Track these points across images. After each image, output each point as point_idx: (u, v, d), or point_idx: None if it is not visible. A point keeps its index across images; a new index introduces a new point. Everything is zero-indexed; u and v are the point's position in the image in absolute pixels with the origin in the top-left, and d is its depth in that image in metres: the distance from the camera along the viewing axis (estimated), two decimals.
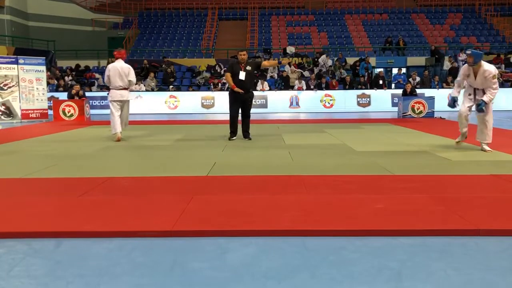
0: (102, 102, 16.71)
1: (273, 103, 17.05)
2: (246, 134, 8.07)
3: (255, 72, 8.35)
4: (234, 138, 7.97)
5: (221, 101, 15.86)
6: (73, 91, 13.93)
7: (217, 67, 19.07)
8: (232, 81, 7.80)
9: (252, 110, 8.21)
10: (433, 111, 13.44)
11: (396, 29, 24.74)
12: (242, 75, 7.75)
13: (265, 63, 8.57)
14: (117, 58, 8.03)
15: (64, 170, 5.23)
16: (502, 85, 17.44)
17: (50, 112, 13.75)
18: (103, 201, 3.77)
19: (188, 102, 16.91)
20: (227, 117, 8.36)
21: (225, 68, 8.46)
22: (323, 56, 19.68)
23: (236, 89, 7.73)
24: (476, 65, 6.44)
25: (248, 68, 7.82)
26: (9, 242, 2.88)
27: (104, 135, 8.96)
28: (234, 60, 8.76)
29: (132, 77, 8.06)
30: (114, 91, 7.99)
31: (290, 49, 21.42)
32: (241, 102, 7.91)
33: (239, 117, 8.09)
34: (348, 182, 4.43)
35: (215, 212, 3.39)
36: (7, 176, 4.85)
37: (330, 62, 19.70)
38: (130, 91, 8.35)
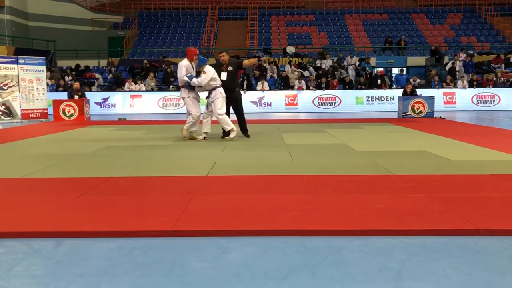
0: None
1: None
2: (245, 132, 8.22)
3: (240, 70, 8.58)
4: (227, 137, 8.07)
5: None
6: (74, 86, 13.93)
7: None
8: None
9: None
10: (433, 111, 13.44)
11: (396, 29, 24.76)
12: (223, 76, 7.96)
13: (245, 61, 8.64)
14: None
15: (64, 170, 5.23)
16: (503, 85, 17.47)
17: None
18: (103, 201, 3.76)
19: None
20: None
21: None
22: (355, 58, 19.63)
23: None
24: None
25: (230, 68, 8.01)
26: (9, 242, 2.88)
27: (105, 135, 8.96)
28: (216, 62, 8.93)
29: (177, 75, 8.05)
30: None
31: (290, 49, 21.43)
32: (229, 102, 8.07)
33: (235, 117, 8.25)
34: (348, 182, 4.42)
35: (215, 212, 3.39)
36: (7, 176, 4.85)
37: (330, 62, 19.73)
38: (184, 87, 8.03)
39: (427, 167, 5.21)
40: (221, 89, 7.76)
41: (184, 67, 7.80)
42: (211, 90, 7.81)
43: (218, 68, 8.06)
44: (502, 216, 3.26)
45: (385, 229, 3.01)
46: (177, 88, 17.75)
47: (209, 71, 7.65)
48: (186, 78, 7.77)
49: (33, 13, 23.96)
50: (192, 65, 7.91)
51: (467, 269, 2.45)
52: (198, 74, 7.80)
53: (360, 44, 23.38)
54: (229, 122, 7.84)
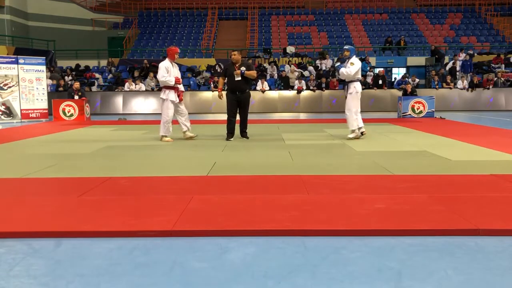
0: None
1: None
2: (243, 134, 8.12)
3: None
4: (232, 139, 7.94)
5: None
6: (74, 86, 13.88)
7: (217, 67, 19.08)
8: (221, 85, 8.09)
9: None
10: (433, 111, 13.44)
11: (396, 29, 24.76)
12: (237, 76, 7.77)
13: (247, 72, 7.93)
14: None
15: (64, 170, 5.23)
16: (503, 85, 17.48)
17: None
18: (103, 201, 3.77)
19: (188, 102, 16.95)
20: (226, 117, 8.30)
21: (220, 71, 8.27)
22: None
23: (220, 95, 7.95)
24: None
25: (243, 68, 7.82)
26: (9, 242, 2.88)
27: (104, 135, 8.95)
28: (227, 62, 8.61)
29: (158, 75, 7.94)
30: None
31: (290, 49, 21.45)
32: (238, 102, 7.95)
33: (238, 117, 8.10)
34: (348, 182, 4.43)
35: (215, 212, 3.39)
36: (7, 176, 4.85)
37: (330, 63, 19.72)
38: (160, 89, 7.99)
39: (427, 167, 5.21)
40: (356, 84, 7.70)
41: (164, 67, 7.70)
42: (348, 83, 7.75)
43: (230, 67, 7.92)
44: (502, 216, 3.26)
45: (385, 229, 3.01)
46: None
47: (357, 63, 7.63)
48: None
49: (33, 13, 23.95)
50: (172, 64, 7.81)
51: (467, 269, 2.45)
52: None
53: (360, 44, 23.38)
54: (354, 123, 7.73)
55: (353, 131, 7.78)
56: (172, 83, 7.71)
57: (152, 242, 2.86)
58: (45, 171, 5.16)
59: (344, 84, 7.87)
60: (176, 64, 8.00)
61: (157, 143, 7.62)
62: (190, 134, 8.07)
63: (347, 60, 7.75)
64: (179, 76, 7.97)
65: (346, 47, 7.88)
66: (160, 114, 8.00)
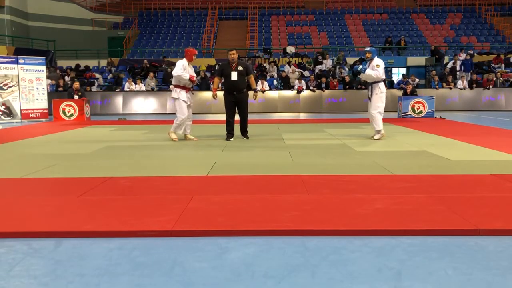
0: None
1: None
2: (244, 134, 8.11)
3: (248, 75, 8.02)
4: (232, 139, 7.92)
5: None
6: (74, 86, 13.84)
7: (217, 67, 19.07)
8: (216, 85, 8.08)
9: None
10: (433, 111, 13.44)
11: (396, 29, 24.76)
12: (234, 76, 7.73)
13: (251, 81, 8.04)
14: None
15: (64, 170, 5.23)
16: (503, 85, 17.48)
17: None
18: (103, 201, 3.77)
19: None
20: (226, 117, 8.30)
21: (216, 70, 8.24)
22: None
23: (215, 95, 8.05)
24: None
25: (240, 68, 7.78)
26: (9, 242, 2.88)
27: (104, 135, 8.95)
28: (223, 62, 8.57)
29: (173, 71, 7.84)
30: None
31: (290, 49, 21.45)
32: (235, 103, 7.92)
33: (237, 117, 8.06)
34: (348, 182, 4.42)
35: (215, 212, 3.39)
36: (7, 176, 4.85)
37: (330, 62, 19.72)
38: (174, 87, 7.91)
39: (427, 167, 5.21)
40: (381, 84, 7.76)
41: (181, 65, 7.69)
42: (372, 84, 7.78)
43: (227, 67, 7.85)
44: (502, 216, 3.26)
45: (385, 229, 3.01)
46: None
47: (382, 63, 7.70)
48: (358, 68, 7.76)
49: (33, 13, 23.96)
50: (189, 65, 7.79)
51: (467, 269, 2.45)
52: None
53: (360, 44, 23.37)
54: (380, 123, 7.82)
55: (379, 132, 7.85)
56: (187, 78, 7.65)
57: (152, 242, 2.86)
58: (45, 171, 5.15)
59: (366, 85, 7.89)
60: (192, 66, 7.97)
61: (157, 143, 7.62)
62: (191, 136, 8.04)
63: (369, 62, 7.76)
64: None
65: (367, 48, 7.88)
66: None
